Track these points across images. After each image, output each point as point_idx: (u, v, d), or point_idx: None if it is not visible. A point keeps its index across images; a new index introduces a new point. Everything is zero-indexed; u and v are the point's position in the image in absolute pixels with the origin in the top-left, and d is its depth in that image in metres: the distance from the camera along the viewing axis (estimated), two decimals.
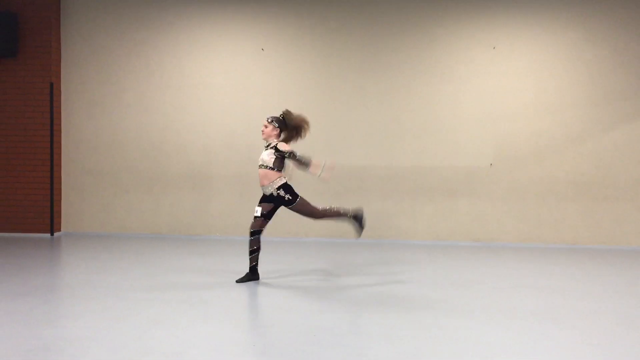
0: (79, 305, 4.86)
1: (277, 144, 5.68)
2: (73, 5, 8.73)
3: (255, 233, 5.71)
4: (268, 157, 5.67)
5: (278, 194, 5.67)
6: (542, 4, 8.30)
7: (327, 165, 5.64)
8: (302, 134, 5.85)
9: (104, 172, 8.79)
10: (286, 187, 5.71)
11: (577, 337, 4.18)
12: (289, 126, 5.79)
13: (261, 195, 5.87)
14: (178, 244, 8.04)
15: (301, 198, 5.74)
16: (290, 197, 5.69)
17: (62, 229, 8.81)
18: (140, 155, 8.74)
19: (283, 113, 5.81)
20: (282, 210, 8.64)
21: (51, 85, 8.55)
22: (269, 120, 5.76)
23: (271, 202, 5.75)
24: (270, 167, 5.66)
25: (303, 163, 5.61)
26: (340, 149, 8.53)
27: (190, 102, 8.69)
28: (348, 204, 8.55)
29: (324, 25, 8.56)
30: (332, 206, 5.85)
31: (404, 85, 8.48)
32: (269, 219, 5.79)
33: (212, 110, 8.65)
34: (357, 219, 5.89)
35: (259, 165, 5.73)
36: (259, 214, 5.72)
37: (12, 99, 8.55)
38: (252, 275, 5.77)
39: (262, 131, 5.78)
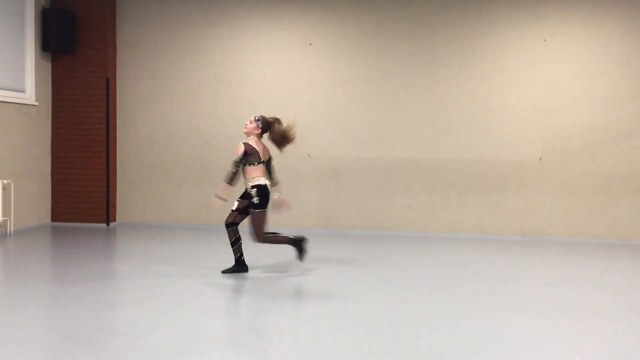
0: (138, 291, 5.08)
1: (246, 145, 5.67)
2: (128, 3, 9.02)
3: (230, 225, 5.74)
4: None
5: (250, 192, 5.65)
6: None
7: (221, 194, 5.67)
8: (283, 146, 5.84)
9: (157, 164, 9.07)
10: (263, 190, 5.66)
11: (628, 333, 4.15)
12: (274, 134, 5.79)
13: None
14: (227, 235, 8.22)
15: (264, 212, 5.67)
16: (257, 202, 5.62)
17: (117, 219, 9.14)
18: (191, 148, 8.97)
19: (274, 119, 5.81)
20: (330, 203, 8.73)
21: (107, 80, 8.86)
22: (256, 118, 5.78)
23: (245, 199, 5.73)
24: (249, 164, 5.65)
25: (227, 177, 5.66)
26: (388, 141, 8.56)
27: (239, 96, 8.86)
28: (394, 197, 8.62)
29: (371, 19, 8.59)
30: (278, 233, 5.84)
31: (452, 78, 8.45)
32: (245, 214, 5.76)
33: (261, 104, 8.78)
34: (298, 245, 5.83)
35: None
36: (234, 208, 5.78)
37: (70, 93, 8.90)
38: (239, 267, 5.78)
39: (245, 125, 5.80)
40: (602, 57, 8.15)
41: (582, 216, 8.22)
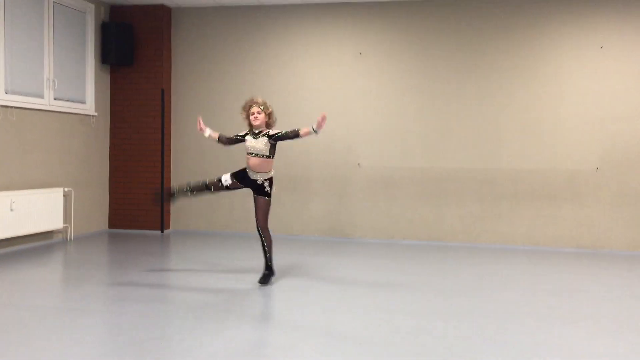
0: (194, 298, 5.18)
1: (268, 131, 5.70)
2: (182, 16, 9.27)
3: (211, 187, 5.86)
4: (264, 145, 5.66)
5: (262, 184, 5.72)
6: None
7: (319, 121, 5.49)
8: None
9: (209, 174, 9.23)
10: (272, 181, 5.80)
11: None
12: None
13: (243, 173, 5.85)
14: (277, 243, 8.31)
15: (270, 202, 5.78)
16: (269, 193, 5.77)
17: (170, 227, 9.37)
18: (242, 158, 9.09)
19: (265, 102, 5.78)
20: (381, 213, 8.70)
21: (162, 91, 9.11)
22: (262, 107, 5.66)
23: (244, 184, 5.76)
24: (267, 156, 5.68)
25: (293, 135, 5.58)
26: (439, 151, 8.51)
27: (291, 107, 8.96)
28: (446, 208, 8.53)
29: (422, 29, 8.57)
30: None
31: (505, 86, 8.34)
32: (229, 190, 5.88)
33: (313, 114, 8.86)
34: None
35: (252, 154, 5.70)
36: (226, 184, 5.78)
37: (128, 104, 9.20)
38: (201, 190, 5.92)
39: (257, 117, 5.65)
40: None
41: None
